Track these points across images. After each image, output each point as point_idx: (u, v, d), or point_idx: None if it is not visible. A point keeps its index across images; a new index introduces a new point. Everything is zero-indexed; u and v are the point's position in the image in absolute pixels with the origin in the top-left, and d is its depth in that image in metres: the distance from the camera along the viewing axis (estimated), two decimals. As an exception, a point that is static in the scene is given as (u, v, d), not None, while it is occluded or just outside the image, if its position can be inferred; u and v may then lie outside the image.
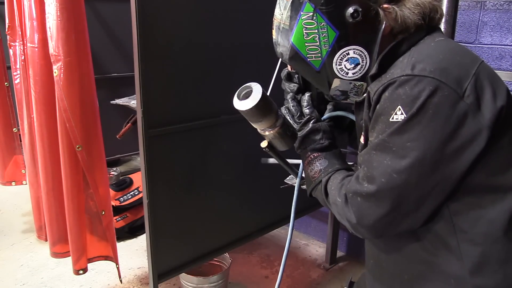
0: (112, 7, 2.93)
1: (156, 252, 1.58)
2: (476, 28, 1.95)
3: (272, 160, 1.25)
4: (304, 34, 0.96)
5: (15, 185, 2.69)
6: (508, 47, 1.88)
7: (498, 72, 1.90)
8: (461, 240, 0.87)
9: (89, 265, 2.04)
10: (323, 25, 0.93)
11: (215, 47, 1.62)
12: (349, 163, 1.12)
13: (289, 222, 1.22)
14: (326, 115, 1.17)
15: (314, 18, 0.93)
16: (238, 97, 1.02)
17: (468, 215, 0.87)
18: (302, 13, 0.94)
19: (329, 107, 1.19)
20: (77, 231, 1.94)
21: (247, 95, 1.01)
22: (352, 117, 1.12)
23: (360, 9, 0.90)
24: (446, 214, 0.88)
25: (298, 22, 0.95)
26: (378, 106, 0.87)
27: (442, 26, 1.48)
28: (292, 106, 1.14)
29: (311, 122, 1.10)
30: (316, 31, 0.94)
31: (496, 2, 1.88)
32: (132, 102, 2.50)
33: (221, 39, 1.63)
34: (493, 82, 0.86)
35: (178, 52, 1.52)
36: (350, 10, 0.90)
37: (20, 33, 2.05)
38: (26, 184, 2.54)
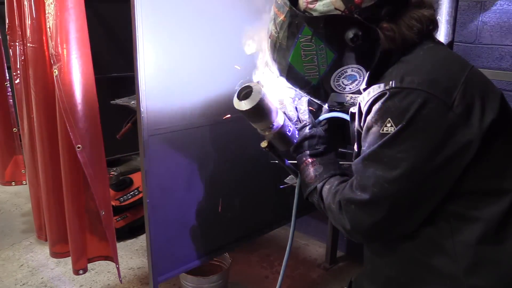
0: (112, 7, 2.93)
1: (156, 252, 1.58)
2: (476, 28, 1.95)
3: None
4: (302, 55, 0.95)
5: (15, 185, 2.69)
6: (508, 47, 1.88)
7: (498, 72, 1.91)
8: (456, 241, 0.88)
9: (89, 265, 2.04)
10: (321, 47, 0.93)
11: (215, 46, 1.62)
12: (349, 162, 1.13)
13: (289, 222, 1.22)
14: (322, 117, 1.18)
15: (313, 41, 0.93)
16: (238, 97, 1.02)
17: (464, 217, 0.88)
18: (300, 35, 0.93)
19: (324, 108, 1.20)
20: (77, 231, 1.94)
21: (247, 95, 1.01)
22: (347, 117, 1.13)
23: (360, 33, 0.88)
24: (442, 216, 0.89)
25: (296, 44, 0.94)
26: (368, 118, 0.89)
27: (443, 26, 1.48)
28: (289, 111, 1.15)
29: (307, 128, 1.11)
30: (315, 52, 0.94)
31: (496, 2, 1.88)
32: (132, 102, 2.49)
33: (221, 38, 1.63)
34: (483, 90, 0.87)
35: (178, 52, 1.51)
36: (350, 34, 0.89)
37: (20, 33, 2.05)
38: (26, 184, 2.54)
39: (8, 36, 2.14)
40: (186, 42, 1.53)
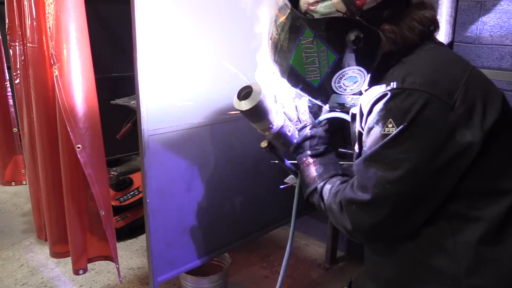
0: (112, 7, 2.93)
1: (156, 252, 1.58)
2: (476, 28, 1.95)
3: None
4: (303, 57, 0.95)
5: (15, 185, 2.69)
6: (508, 47, 1.88)
7: (498, 72, 1.91)
8: (457, 241, 0.89)
9: (89, 265, 2.04)
10: (323, 49, 0.93)
11: (215, 46, 1.62)
12: (349, 162, 1.13)
13: (289, 222, 1.22)
14: (322, 117, 1.18)
15: (314, 43, 0.92)
16: (238, 97, 1.02)
17: (465, 217, 0.88)
18: (301, 38, 0.93)
19: (324, 108, 1.19)
20: (77, 231, 1.94)
21: (247, 95, 1.01)
22: (348, 117, 1.13)
23: (362, 35, 0.88)
24: (443, 216, 0.89)
25: (298, 46, 0.94)
26: (369, 118, 0.89)
27: (443, 26, 1.48)
28: (290, 111, 1.15)
29: (307, 128, 1.11)
30: (316, 54, 0.94)
31: (496, 2, 1.88)
32: (132, 102, 2.50)
33: (222, 38, 1.63)
34: (485, 91, 0.87)
35: (178, 52, 1.51)
36: (352, 36, 0.89)
37: (20, 33, 2.05)
38: (26, 184, 2.54)
39: (8, 36, 2.14)
40: (186, 42, 1.53)
